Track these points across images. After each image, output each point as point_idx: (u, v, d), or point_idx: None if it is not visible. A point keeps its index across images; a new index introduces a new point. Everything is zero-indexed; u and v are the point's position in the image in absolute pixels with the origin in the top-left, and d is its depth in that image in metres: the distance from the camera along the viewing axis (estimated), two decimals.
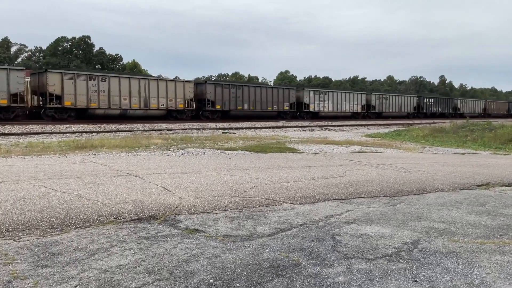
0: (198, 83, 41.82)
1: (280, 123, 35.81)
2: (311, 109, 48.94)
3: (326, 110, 50.64)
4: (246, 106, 42.98)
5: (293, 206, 5.31)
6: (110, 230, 4.11)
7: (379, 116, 57.33)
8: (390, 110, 59.08)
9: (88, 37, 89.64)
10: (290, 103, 47.01)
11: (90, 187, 6.01)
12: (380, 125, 36.87)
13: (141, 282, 2.95)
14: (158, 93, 36.12)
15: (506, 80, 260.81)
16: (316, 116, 48.98)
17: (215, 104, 40.52)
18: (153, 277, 3.04)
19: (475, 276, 3.19)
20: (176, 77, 55.14)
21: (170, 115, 37.59)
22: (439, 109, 67.56)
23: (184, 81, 39.64)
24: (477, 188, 6.92)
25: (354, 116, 53.84)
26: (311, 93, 49.64)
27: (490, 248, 3.85)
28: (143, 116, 35.10)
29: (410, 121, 47.07)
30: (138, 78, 36.48)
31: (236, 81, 44.34)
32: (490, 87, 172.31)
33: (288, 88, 49.06)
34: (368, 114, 56.39)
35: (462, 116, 66.07)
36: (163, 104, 36.69)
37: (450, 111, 69.18)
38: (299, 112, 48.66)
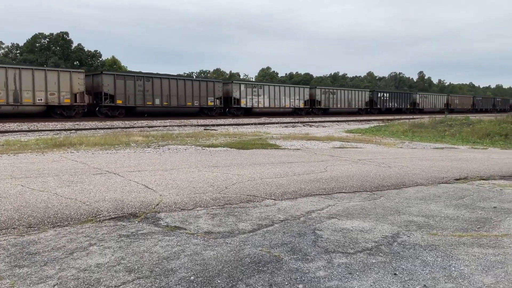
0: (94, 74, 35.17)
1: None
2: (242, 105, 43.37)
3: (261, 105, 45.17)
4: (157, 101, 36.67)
5: (275, 202, 5.32)
6: (89, 229, 4.05)
7: (326, 112, 52.43)
8: (339, 105, 54.24)
9: (66, 33, 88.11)
10: (217, 97, 41.35)
11: (69, 185, 5.91)
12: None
13: (120, 281, 2.91)
14: (33, 85, 29.68)
15: (484, 75, 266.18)
16: (249, 112, 43.88)
17: (116, 99, 33.93)
18: (133, 275, 3.01)
19: (453, 268, 3.24)
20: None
21: (53, 112, 31.32)
22: (395, 104, 63.30)
23: (71, 71, 32.66)
24: (455, 182, 7.04)
25: (296, 112, 49.21)
26: (242, 86, 44.02)
27: (468, 241, 3.92)
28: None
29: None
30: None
31: (143, 73, 36.91)
32: (468, 83, 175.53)
33: (213, 81, 43.35)
34: (313, 110, 51.46)
35: (422, 111, 64.94)
36: (41, 99, 29.98)
37: (408, 106, 65.30)
38: (228, 108, 43.17)
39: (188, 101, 38.90)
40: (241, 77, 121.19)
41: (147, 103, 36.02)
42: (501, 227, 4.38)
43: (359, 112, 57.16)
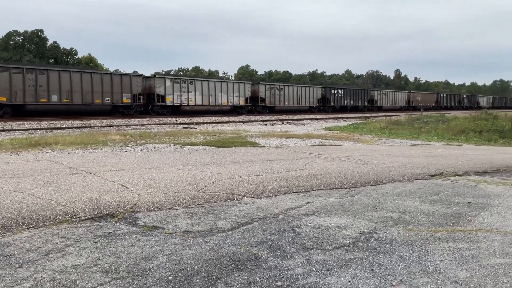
0: None
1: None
2: (168, 102, 38.40)
3: (192, 103, 39.92)
4: (55, 98, 30.85)
5: (254, 200, 5.33)
6: (65, 230, 3.99)
7: (271, 110, 47.28)
8: (286, 103, 49.35)
9: (41, 31, 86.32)
10: (134, 94, 35.93)
11: (44, 185, 5.80)
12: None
13: (97, 282, 2.87)
14: None
15: (459, 73, 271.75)
16: (177, 111, 39.26)
17: None
18: (110, 276, 2.97)
19: (429, 263, 3.30)
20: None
21: None
22: (351, 102, 58.53)
23: None
24: (431, 178, 7.17)
25: (236, 110, 43.81)
26: (168, 81, 38.80)
27: (443, 236, 3.99)
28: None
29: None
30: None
31: (35, 64, 31.22)
32: (443, 80, 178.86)
33: (129, 75, 37.76)
34: (256, 108, 46.39)
35: (380, 109, 61.93)
36: None
37: (365, 104, 60.89)
38: (151, 107, 38.39)
39: (96, 97, 33.27)
40: (220, 75, 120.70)
41: (41, 100, 30.27)
42: (475, 222, 4.48)
43: (310, 110, 52.47)
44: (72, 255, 3.36)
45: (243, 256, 3.37)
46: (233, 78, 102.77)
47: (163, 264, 3.19)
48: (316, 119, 35.45)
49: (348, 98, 58.33)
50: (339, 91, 58.23)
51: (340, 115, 43.68)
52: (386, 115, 41.55)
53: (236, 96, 44.27)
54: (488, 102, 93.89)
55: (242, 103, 44.74)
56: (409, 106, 68.77)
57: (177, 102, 38.92)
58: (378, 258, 3.38)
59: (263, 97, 46.89)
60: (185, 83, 39.66)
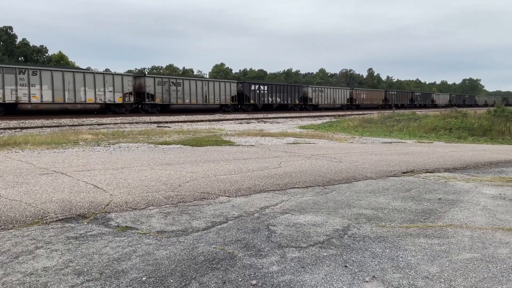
0: None
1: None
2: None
3: (36, 100, 30.10)
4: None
5: (229, 198, 5.32)
6: (35, 231, 3.89)
7: (165, 110, 39.01)
8: (187, 100, 40.29)
9: (10, 28, 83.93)
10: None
11: (13, 186, 5.65)
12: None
13: (69, 284, 2.82)
14: None
15: (430, 71, 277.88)
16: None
17: None
18: (82, 278, 2.91)
19: (401, 259, 3.36)
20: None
21: None
22: (278, 99, 50.50)
23: None
24: (402, 175, 7.30)
25: (110, 109, 35.21)
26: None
27: (415, 232, 4.07)
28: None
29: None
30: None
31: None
32: (415, 79, 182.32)
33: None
34: (143, 107, 37.98)
35: (316, 108, 55.53)
36: None
37: (297, 102, 53.22)
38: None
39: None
40: (195, 73, 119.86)
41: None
42: (445, 218, 4.58)
43: (222, 109, 43.48)
44: (42, 257, 3.28)
45: (218, 256, 3.36)
46: (207, 76, 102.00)
47: (137, 265, 3.15)
48: (291, 117, 35.64)
49: (274, 95, 50.34)
50: (262, 87, 49.58)
51: (314, 114, 44.00)
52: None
53: (110, 91, 34.44)
54: (445, 100, 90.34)
55: (118, 99, 35.12)
56: (352, 105, 62.62)
57: (12, 99, 29.64)
58: (352, 255, 3.42)
59: (152, 93, 37.72)
60: (24, 73, 30.01)
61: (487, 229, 4.18)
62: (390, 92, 74.53)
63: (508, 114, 22.14)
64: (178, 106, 39.84)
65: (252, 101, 47.48)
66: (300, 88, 55.60)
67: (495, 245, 3.69)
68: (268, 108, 49.90)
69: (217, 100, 43.50)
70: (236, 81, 49.37)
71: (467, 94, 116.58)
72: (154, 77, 38.82)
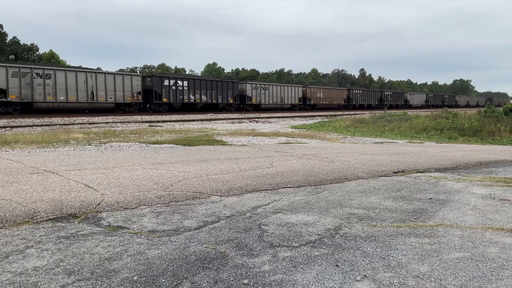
0: None
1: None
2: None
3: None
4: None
5: (221, 198, 5.31)
6: (26, 231, 3.86)
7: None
8: (108, 97, 34.66)
9: (0, 26, 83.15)
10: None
11: (3, 185, 5.60)
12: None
13: (59, 284, 2.80)
14: None
15: (421, 72, 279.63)
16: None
17: None
18: (73, 277, 2.90)
19: (392, 258, 3.38)
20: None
21: None
22: (204, 98, 42.06)
23: None
24: (394, 175, 7.34)
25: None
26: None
27: (406, 231, 4.10)
28: None
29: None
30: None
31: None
32: (406, 80, 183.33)
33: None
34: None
35: (258, 109, 47.81)
36: None
37: (231, 101, 45.14)
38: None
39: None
40: (187, 72, 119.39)
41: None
42: (436, 217, 4.62)
43: (121, 109, 35.43)
44: (33, 256, 3.26)
45: (209, 255, 3.36)
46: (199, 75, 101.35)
47: (128, 265, 3.14)
48: (283, 117, 35.66)
49: (198, 92, 41.30)
50: (180, 82, 39.97)
51: (306, 114, 44.05)
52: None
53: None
54: (420, 100, 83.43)
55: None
56: (305, 105, 55.33)
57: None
58: (343, 254, 3.44)
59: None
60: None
61: (477, 228, 4.22)
62: (354, 91, 66.61)
63: (498, 114, 22.33)
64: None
65: (165, 100, 38.43)
66: (236, 85, 46.68)
67: (485, 245, 3.72)
68: (190, 108, 41.14)
69: (111, 98, 34.15)
70: (141, 75, 40.78)
71: (446, 94, 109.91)
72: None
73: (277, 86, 53.24)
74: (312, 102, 56.55)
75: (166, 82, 38.72)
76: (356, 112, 43.86)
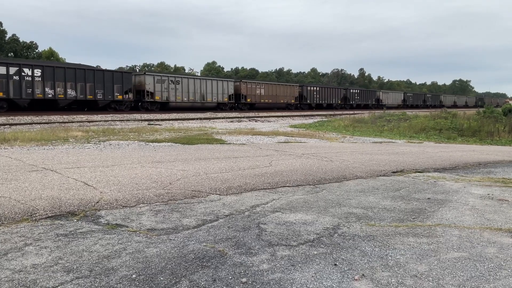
0: None
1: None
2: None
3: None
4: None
5: (220, 197, 5.32)
6: (24, 228, 3.86)
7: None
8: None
9: (0, 23, 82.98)
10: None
11: (2, 183, 5.59)
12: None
13: (58, 281, 2.80)
14: None
15: (421, 72, 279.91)
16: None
17: None
18: (72, 275, 2.90)
19: (390, 257, 3.39)
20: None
21: None
22: (72, 92, 31.34)
23: None
24: (392, 174, 7.35)
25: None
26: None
27: (404, 231, 4.11)
28: None
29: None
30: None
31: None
32: (405, 80, 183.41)
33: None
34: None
35: (165, 107, 39.09)
36: None
37: (118, 97, 34.76)
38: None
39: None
40: (186, 71, 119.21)
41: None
42: (434, 217, 4.62)
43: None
44: (32, 254, 3.26)
45: (208, 253, 3.37)
46: (199, 74, 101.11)
47: (127, 263, 3.14)
48: (283, 116, 35.63)
49: (61, 84, 30.94)
50: (28, 70, 29.16)
51: (305, 113, 44.03)
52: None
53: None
54: (397, 100, 74.76)
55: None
56: (240, 103, 46.56)
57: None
58: (341, 253, 3.45)
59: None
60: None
61: (475, 228, 4.23)
62: (308, 88, 56.41)
63: (497, 115, 22.36)
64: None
65: (40, 94, 29.75)
66: (128, 76, 36.17)
67: (483, 245, 3.73)
68: (48, 106, 31.23)
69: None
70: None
71: (429, 93, 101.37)
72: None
73: (195, 79, 42.49)
74: (248, 100, 46.83)
75: (28, 72, 29.13)
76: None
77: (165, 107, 39.15)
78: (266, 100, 49.38)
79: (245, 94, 46.70)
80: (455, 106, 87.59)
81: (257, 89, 48.68)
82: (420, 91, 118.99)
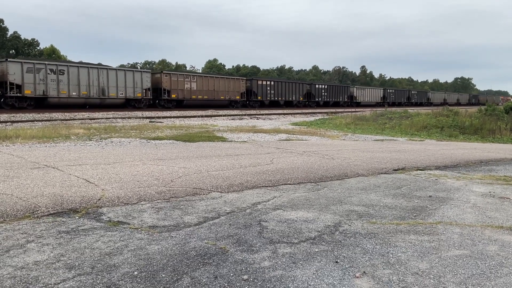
0: None
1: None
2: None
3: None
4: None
5: (221, 194, 5.32)
6: (27, 225, 3.87)
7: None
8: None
9: (1, 20, 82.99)
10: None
11: (4, 180, 5.61)
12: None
13: (60, 278, 2.81)
14: None
15: (422, 70, 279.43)
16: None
17: None
18: (74, 272, 2.91)
19: (391, 255, 3.39)
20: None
21: None
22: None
23: None
24: (394, 172, 7.35)
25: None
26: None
27: (405, 229, 4.11)
28: None
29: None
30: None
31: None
32: (407, 77, 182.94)
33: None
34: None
35: (42, 105, 30.27)
36: None
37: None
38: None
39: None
40: (188, 68, 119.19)
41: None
42: (435, 215, 4.62)
43: None
44: (34, 251, 3.27)
45: (209, 251, 3.37)
46: (200, 71, 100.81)
47: (128, 260, 3.15)
48: (284, 114, 35.63)
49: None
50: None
51: (306, 110, 43.96)
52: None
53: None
54: (374, 97, 66.48)
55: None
56: (161, 100, 38.52)
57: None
58: (343, 251, 3.45)
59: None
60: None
61: (476, 226, 4.23)
62: (259, 83, 48.65)
63: (499, 113, 22.32)
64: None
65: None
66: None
67: (484, 242, 3.73)
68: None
69: None
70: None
71: (414, 89, 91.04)
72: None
73: (90, 68, 33.27)
74: (174, 96, 39.17)
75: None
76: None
77: (41, 104, 30.72)
78: (200, 96, 41.22)
79: (168, 88, 38.54)
80: (445, 104, 77.60)
81: (186, 83, 40.17)
82: (416, 88, 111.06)
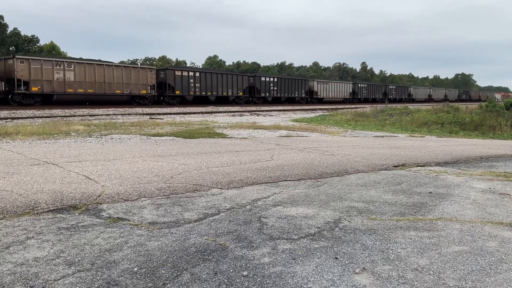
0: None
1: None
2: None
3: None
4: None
5: (221, 191, 5.32)
6: (26, 222, 3.88)
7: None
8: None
9: (1, 17, 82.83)
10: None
11: (4, 177, 5.61)
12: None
13: (60, 274, 2.81)
14: None
15: (423, 66, 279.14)
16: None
17: None
18: (73, 268, 2.91)
19: (391, 251, 3.39)
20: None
21: None
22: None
23: None
24: (394, 168, 7.34)
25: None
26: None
27: (405, 225, 4.11)
28: None
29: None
30: None
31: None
32: (408, 73, 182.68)
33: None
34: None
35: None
36: None
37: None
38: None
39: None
40: (188, 65, 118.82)
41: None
42: (435, 211, 4.62)
43: None
44: (33, 247, 3.28)
45: (209, 247, 3.37)
46: (200, 67, 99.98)
47: (128, 256, 3.15)
48: (284, 110, 35.59)
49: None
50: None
51: (307, 107, 43.88)
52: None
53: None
54: (342, 93, 59.38)
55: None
56: (15, 94, 28.45)
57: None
58: (342, 247, 3.45)
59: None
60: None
61: (476, 222, 4.23)
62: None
63: (499, 109, 22.29)
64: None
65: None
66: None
67: (484, 238, 3.73)
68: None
69: None
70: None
71: (393, 84, 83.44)
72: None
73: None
74: (35, 88, 29.58)
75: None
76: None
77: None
78: (81, 90, 31.88)
79: (27, 79, 28.94)
80: (430, 99, 74.02)
81: (57, 72, 30.47)
82: (395, 83, 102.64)
